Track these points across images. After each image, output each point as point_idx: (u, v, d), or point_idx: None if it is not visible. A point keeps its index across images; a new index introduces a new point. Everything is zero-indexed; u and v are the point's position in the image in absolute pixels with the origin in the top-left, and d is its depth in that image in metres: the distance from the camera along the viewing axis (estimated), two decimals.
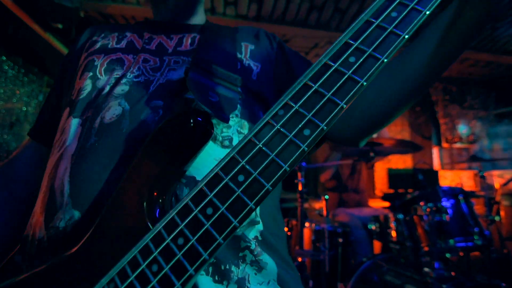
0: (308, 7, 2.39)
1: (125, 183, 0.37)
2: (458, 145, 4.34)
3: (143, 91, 0.51)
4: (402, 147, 2.04)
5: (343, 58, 0.33)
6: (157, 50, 0.60)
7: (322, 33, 2.70)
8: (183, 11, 0.70)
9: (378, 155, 2.08)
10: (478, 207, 3.39)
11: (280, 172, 0.30)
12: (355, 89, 0.32)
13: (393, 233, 1.96)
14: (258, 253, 0.45)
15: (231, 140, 0.50)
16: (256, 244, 0.46)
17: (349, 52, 0.33)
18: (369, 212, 2.49)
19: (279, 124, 0.32)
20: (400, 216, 1.92)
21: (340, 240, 1.95)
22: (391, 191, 3.86)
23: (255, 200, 0.30)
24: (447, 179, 3.96)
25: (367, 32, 0.34)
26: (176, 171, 0.39)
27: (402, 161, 4.44)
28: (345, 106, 0.31)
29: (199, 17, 0.73)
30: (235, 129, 0.52)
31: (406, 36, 0.33)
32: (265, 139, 0.32)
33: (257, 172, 0.31)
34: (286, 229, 1.99)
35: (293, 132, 0.31)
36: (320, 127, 0.31)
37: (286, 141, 0.31)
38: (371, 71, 0.32)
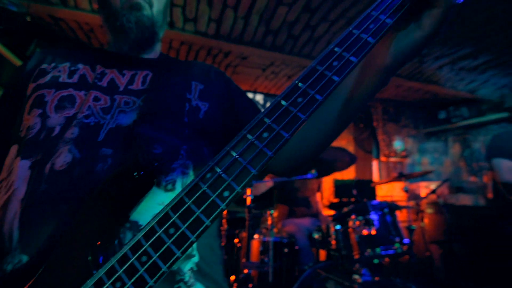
0: (264, 30, 2.56)
1: (72, 231, 0.43)
2: (393, 159, 4.90)
3: (93, 137, 0.53)
4: (343, 163, 2.27)
5: (276, 115, 0.42)
6: (108, 87, 0.61)
7: (277, 55, 2.89)
8: (141, 45, 0.70)
9: (321, 176, 2.29)
10: (409, 215, 3.87)
11: (203, 226, 0.39)
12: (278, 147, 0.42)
13: (333, 242, 2.17)
14: (191, 283, 0.50)
15: (174, 183, 0.55)
16: (191, 275, 0.50)
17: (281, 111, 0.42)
18: (315, 222, 2.68)
19: (205, 186, 0.41)
20: (338, 226, 2.14)
21: (286, 250, 2.10)
22: (337, 200, 4.21)
23: (182, 249, 0.39)
24: (383, 190, 4.43)
25: (297, 94, 0.43)
26: (120, 218, 0.46)
27: (347, 172, 4.86)
28: (256, 173, 0.42)
29: (154, 50, 0.74)
30: (179, 171, 0.56)
31: (338, 79, 0.42)
32: (193, 198, 0.41)
33: (185, 226, 0.39)
34: (236, 240, 2.08)
35: (216, 194, 0.40)
36: (236, 191, 0.40)
37: (209, 201, 0.40)
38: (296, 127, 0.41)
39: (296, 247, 2.22)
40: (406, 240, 1.95)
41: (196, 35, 2.59)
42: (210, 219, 0.38)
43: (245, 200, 1.80)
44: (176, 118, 0.62)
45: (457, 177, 5.54)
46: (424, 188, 4.62)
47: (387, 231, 1.96)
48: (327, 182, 4.43)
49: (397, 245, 1.88)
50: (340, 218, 2.09)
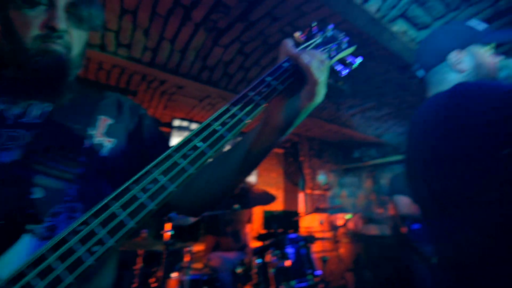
0: (200, 66, 2.66)
1: None
2: (317, 191, 5.35)
3: None
4: (264, 199, 2.39)
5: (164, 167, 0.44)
6: None
7: (213, 89, 3.00)
8: (47, 85, 0.61)
9: (244, 208, 2.37)
10: (324, 246, 4.18)
11: (65, 285, 0.36)
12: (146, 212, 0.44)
13: (255, 276, 2.21)
14: None
15: (54, 228, 0.51)
16: None
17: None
18: (241, 255, 2.66)
19: (75, 241, 0.39)
20: (259, 260, 2.20)
21: None
22: (265, 231, 4.32)
23: None
24: (306, 220, 4.73)
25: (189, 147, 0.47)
26: None
27: (276, 203, 5.10)
28: (135, 226, 0.44)
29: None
30: (64, 216, 0.53)
31: (230, 137, 0.48)
32: (61, 254, 0.38)
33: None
34: (152, 279, 1.94)
35: (84, 249, 0.38)
36: (108, 246, 0.38)
37: (75, 258, 0.37)
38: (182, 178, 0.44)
39: (218, 284, 2.17)
40: (318, 272, 2.11)
41: (129, 60, 2.54)
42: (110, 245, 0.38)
43: (162, 235, 1.73)
44: (69, 157, 0.58)
45: (369, 209, 6.32)
46: (342, 219, 5.11)
47: (301, 263, 2.10)
48: (258, 213, 4.54)
49: (309, 277, 2.02)
50: (260, 251, 2.16)
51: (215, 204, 0.73)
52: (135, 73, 2.80)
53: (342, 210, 5.79)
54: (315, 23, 0.75)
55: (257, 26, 2.12)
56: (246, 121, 0.52)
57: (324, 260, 2.75)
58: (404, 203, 2.46)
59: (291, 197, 5.20)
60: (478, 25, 0.95)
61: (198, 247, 3.25)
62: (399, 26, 1.97)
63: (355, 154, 5.46)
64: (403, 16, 1.91)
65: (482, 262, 0.82)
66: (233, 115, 0.52)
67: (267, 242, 2.30)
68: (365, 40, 2.16)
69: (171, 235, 1.73)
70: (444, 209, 0.90)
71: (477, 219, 0.82)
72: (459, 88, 0.83)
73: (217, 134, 0.49)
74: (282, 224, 4.32)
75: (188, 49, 2.43)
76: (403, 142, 4.38)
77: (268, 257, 2.02)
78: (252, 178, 4.46)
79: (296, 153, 5.15)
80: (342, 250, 4.39)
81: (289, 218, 4.44)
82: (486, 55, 0.92)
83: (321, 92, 0.55)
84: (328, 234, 4.54)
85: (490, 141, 0.78)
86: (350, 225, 5.30)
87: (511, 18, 2.08)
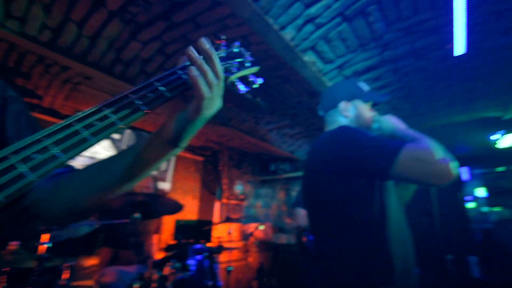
0: (113, 58, 2.42)
1: None
2: (233, 201, 5.44)
3: None
4: (171, 208, 2.26)
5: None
6: None
7: (128, 86, 2.76)
8: None
9: (146, 218, 2.21)
10: (236, 254, 4.25)
11: None
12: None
13: None
14: None
15: None
16: None
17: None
18: (141, 268, 2.45)
19: None
20: (159, 273, 2.07)
21: None
22: (175, 242, 4.12)
23: None
24: (219, 230, 4.73)
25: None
26: None
27: (191, 212, 4.95)
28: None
29: None
30: None
31: (94, 141, 0.44)
32: None
33: None
34: None
35: None
36: None
37: None
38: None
39: None
40: (219, 283, 2.11)
41: (21, 37, 2.12)
42: None
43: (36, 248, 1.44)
44: None
45: (280, 219, 6.75)
46: (253, 229, 5.29)
47: (203, 275, 2.07)
48: (169, 223, 4.31)
49: None
50: (160, 264, 2.04)
51: (87, 213, 0.66)
52: (29, 53, 2.36)
53: (255, 220, 6.03)
54: (224, 37, 0.76)
55: (180, 29, 2.07)
56: (119, 126, 0.49)
57: (228, 270, 2.77)
58: (302, 215, 2.72)
59: (207, 206, 5.13)
60: (364, 86, 1.25)
61: (91, 261, 2.85)
62: (309, 57, 2.22)
63: (271, 167, 5.80)
64: (313, 49, 2.16)
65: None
66: (104, 117, 0.48)
67: (169, 254, 2.19)
68: (282, 64, 2.36)
69: (48, 248, 1.45)
70: (314, 229, 1.09)
71: (335, 244, 1.01)
72: (339, 130, 1.05)
73: (78, 137, 0.44)
74: (194, 234, 4.20)
75: (100, 37, 2.19)
76: None
77: (167, 270, 1.92)
78: (165, 185, 4.22)
79: (216, 162, 5.15)
80: (251, 259, 4.53)
81: (202, 228, 4.36)
82: (365, 109, 1.19)
83: (209, 107, 0.55)
84: (239, 244, 4.63)
85: (345, 174, 0.99)
86: (261, 234, 5.54)
87: (392, 67, 2.60)
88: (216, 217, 5.24)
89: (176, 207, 2.10)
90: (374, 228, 0.98)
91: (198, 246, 2.15)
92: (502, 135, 3.59)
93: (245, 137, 4.35)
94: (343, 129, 1.05)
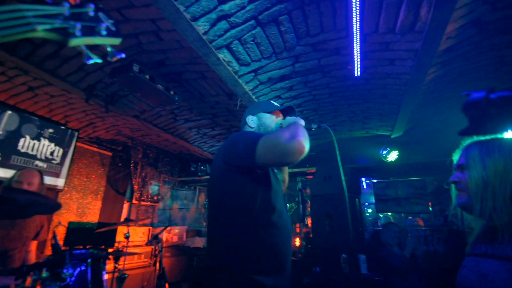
0: None
1: None
2: (146, 202, 5.03)
3: None
4: (43, 207, 1.89)
5: None
6: None
7: (7, 56, 2.25)
8: None
9: (4, 217, 1.80)
10: (144, 260, 3.89)
11: None
12: None
13: None
14: None
15: None
16: None
17: None
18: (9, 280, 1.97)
19: None
20: (22, 285, 1.69)
21: None
22: (66, 248, 3.52)
23: None
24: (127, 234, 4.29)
25: None
26: None
27: (91, 213, 4.34)
28: None
29: None
30: None
31: None
32: None
33: None
34: None
35: None
36: None
37: None
38: None
39: None
40: None
41: None
42: None
43: None
44: None
45: (198, 222, 6.56)
46: (166, 233, 4.97)
47: (84, 285, 1.78)
48: (60, 225, 3.67)
49: None
50: (23, 274, 1.67)
51: None
52: None
53: (170, 223, 5.70)
54: None
55: None
56: None
57: (122, 278, 2.48)
58: None
59: (113, 208, 4.59)
60: (275, 102, 1.51)
61: None
62: (225, 55, 2.19)
63: (192, 167, 5.59)
64: (228, 48, 2.14)
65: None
66: None
67: (40, 261, 1.82)
68: (196, 58, 2.27)
69: None
70: (208, 219, 1.22)
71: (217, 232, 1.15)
72: (232, 135, 1.21)
73: None
74: (92, 238, 3.67)
75: None
76: None
77: (29, 281, 1.58)
78: (58, 182, 3.60)
79: (128, 158, 4.68)
80: (165, 263, 4.24)
81: (102, 231, 3.85)
82: (269, 118, 1.41)
83: None
84: (147, 249, 4.27)
85: (231, 171, 1.13)
86: (174, 238, 5.26)
87: (303, 79, 2.79)
88: (123, 220, 4.74)
89: (52, 206, 1.76)
90: (254, 220, 1.09)
91: (79, 251, 1.84)
92: (389, 151, 4.25)
93: (162, 134, 4.08)
94: (234, 134, 1.20)
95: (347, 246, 4.42)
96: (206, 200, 6.52)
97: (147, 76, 2.33)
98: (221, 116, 3.58)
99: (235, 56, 2.25)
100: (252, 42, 2.13)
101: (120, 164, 4.61)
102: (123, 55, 0.71)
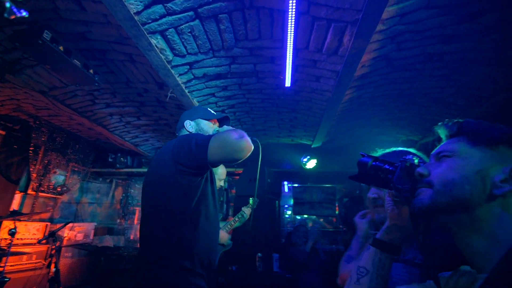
0: None
1: None
2: (46, 194, 4.31)
3: None
4: None
5: None
6: None
7: None
8: None
9: None
10: (34, 261, 3.31)
11: None
12: None
13: None
14: None
15: None
16: None
17: None
18: None
19: None
20: None
21: None
22: None
23: None
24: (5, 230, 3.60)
25: None
26: None
27: None
28: None
29: None
30: None
31: None
32: None
33: None
34: None
35: None
36: None
37: None
38: None
39: None
40: None
41: None
42: None
43: None
44: None
45: (111, 219, 5.94)
46: (69, 230, 4.35)
47: None
48: None
49: None
50: None
51: None
52: None
53: (77, 219, 5.01)
54: None
55: None
56: None
57: (3, 281, 2.07)
58: None
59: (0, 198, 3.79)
60: (211, 110, 1.60)
61: None
62: (158, 42, 2.07)
63: (110, 158, 5.05)
64: (163, 34, 2.03)
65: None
66: None
67: None
68: (125, 38, 2.07)
69: None
70: (142, 218, 1.28)
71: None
72: (178, 138, 1.27)
73: None
74: None
75: None
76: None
77: None
78: None
79: (27, 141, 3.94)
80: (63, 265, 3.67)
81: None
82: (207, 125, 1.51)
83: None
84: (42, 248, 3.65)
85: (176, 174, 1.19)
86: (78, 236, 4.65)
87: (238, 81, 2.84)
88: (12, 212, 3.94)
89: None
90: (187, 220, 1.17)
91: None
92: (309, 159, 4.66)
93: (76, 117, 3.57)
94: (183, 135, 1.27)
95: (263, 245, 4.65)
96: (124, 196, 5.98)
97: (61, 48, 2.01)
98: (149, 105, 3.35)
99: (170, 45, 2.14)
100: (189, 34, 2.06)
101: (15, 147, 3.84)
102: (25, 14, 0.60)
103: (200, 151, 1.13)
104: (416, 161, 0.68)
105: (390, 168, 0.72)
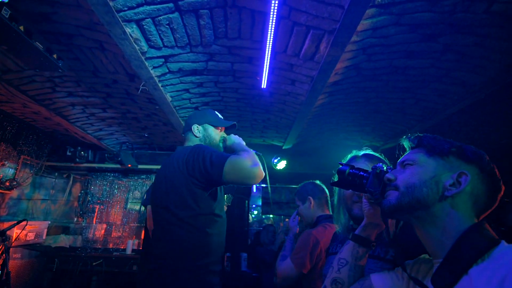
0: None
1: None
2: None
3: None
4: None
5: None
6: None
7: None
8: None
9: None
10: None
11: None
12: None
13: None
14: None
15: None
16: None
17: None
18: None
19: None
20: None
21: None
22: None
23: None
24: None
25: None
26: None
27: None
28: None
29: None
30: None
31: None
32: None
33: None
34: None
35: None
36: None
37: None
38: None
39: None
40: None
41: None
42: None
43: None
44: None
45: (67, 217, 5.51)
46: (18, 229, 3.95)
47: None
48: None
49: None
50: None
51: None
52: None
53: (27, 217, 4.57)
54: None
55: None
56: None
57: None
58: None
59: None
60: (219, 115, 1.72)
61: None
62: (133, 31, 1.97)
63: (69, 151, 4.68)
64: (139, 24, 1.94)
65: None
66: None
67: None
68: (96, 24, 1.95)
69: None
70: (155, 224, 1.42)
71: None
72: (193, 148, 1.39)
73: None
74: None
75: None
76: (121, 152, 4.34)
77: None
78: None
79: None
80: (12, 267, 3.31)
81: None
82: (214, 131, 1.62)
83: None
84: None
85: (192, 183, 1.33)
86: (29, 235, 4.25)
87: (214, 79, 2.80)
88: None
89: None
90: (202, 223, 1.33)
91: None
92: (279, 160, 4.76)
93: (32, 105, 3.27)
94: (196, 147, 1.38)
95: (232, 245, 4.64)
96: (83, 192, 5.59)
97: (22, 28, 1.83)
98: (117, 97, 3.17)
99: (146, 35, 2.05)
100: (167, 26, 2.00)
101: None
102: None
103: (215, 172, 1.27)
104: (385, 168, 0.80)
105: (364, 175, 0.81)
